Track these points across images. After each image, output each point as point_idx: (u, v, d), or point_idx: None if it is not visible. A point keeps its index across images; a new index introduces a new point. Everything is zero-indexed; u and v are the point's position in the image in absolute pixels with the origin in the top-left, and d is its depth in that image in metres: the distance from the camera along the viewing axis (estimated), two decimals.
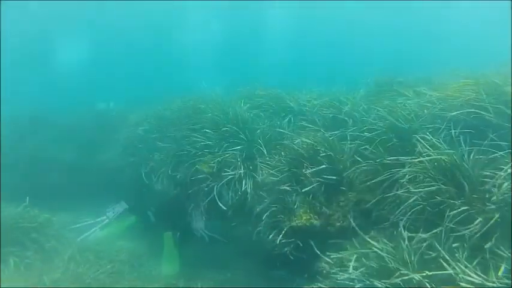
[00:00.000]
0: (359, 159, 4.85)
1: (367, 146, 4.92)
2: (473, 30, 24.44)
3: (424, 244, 3.28)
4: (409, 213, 3.70)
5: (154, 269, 6.95)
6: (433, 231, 3.32)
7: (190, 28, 34.91)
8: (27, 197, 7.17)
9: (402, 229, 3.59)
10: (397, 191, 4.03)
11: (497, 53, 6.64)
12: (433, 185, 3.62)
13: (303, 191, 4.73)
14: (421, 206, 3.65)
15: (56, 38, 27.09)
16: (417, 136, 4.28)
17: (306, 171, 4.78)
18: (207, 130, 6.30)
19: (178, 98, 8.81)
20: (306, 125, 6.07)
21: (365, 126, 5.30)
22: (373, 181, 4.46)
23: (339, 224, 4.54)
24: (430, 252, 3.24)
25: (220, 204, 5.61)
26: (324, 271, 4.13)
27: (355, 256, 3.77)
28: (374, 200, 4.35)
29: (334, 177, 4.70)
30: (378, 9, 30.58)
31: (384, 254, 3.39)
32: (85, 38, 31.55)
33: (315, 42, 32.90)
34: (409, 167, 4.08)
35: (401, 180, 4.04)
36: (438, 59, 7.48)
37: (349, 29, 33.24)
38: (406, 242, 3.38)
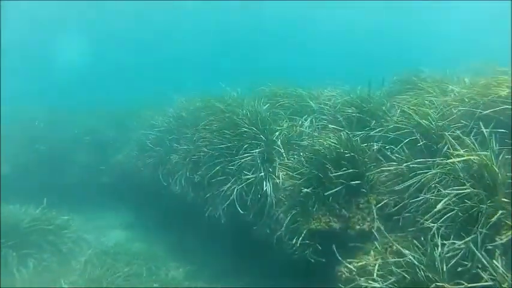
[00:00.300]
0: (382, 159, 4.73)
1: (392, 146, 4.78)
2: (492, 28, 24.00)
3: (457, 252, 3.10)
4: (438, 218, 3.52)
5: (171, 271, 6.96)
6: (467, 239, 3.13)
7: (207, 29, 35.30)
8: (45, 199, 7.26)
9: (433, 235, 3.41)
10: (423, 193, 3.86)
11: None
12: (465, 188, 3.43)
13: (325, 194, 4.59)
14: (450, 209, 3.47)
15: (69, 40, 27.59)
16: (447, 134, 4.09)
17: (328, 173, 4.65)
18: (225, 131, 6.19)
19: (197, 98, 8.80)
20: (327, 124, 5.95)
21: (389, 125, 5.14)
22: (396, 183, 4.32)
23: (358, 227, 4.41)
24: (464, 262, 3.05)
25: (239, 208, 5.52)
26: (344, 276, 4.00)
27: (379, 262, 3.64)
28: (397, 203, 4.20)
29: (356, 179, 4.55)
30: (396, 9, 30.56)
31: (415, 262, 3.22)
32: (99, 38, 32.29)
33: (337, 41, 32.87)
34: (437, 169, 3.91)
35: (431, 183, 3.87)
36: (460, 56, 7.16)
37: (369, 28, 33.16)
38: (439, 249, 3.18)
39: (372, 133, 5.17)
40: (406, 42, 31.02)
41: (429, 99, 5.41)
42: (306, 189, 4.74)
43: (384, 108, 5.80)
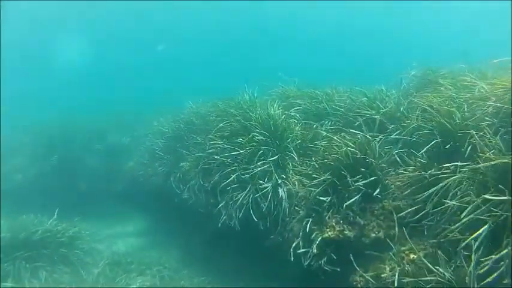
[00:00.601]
0: (400, 162, 4.57)
1: (411, 150, 4.60)
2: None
3: (487, 268, 2.88)
4: (464, 227, 3.30)
5: (185, 281, 6.87)
6: (503, 252, 2.89)
7: (214, 30, 35.43)
8: (56, 209, 7.29)
9: (458, 245, 3.21)
10: (445, 199, 3.65)
11: None
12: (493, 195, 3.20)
13: (340, 202, 4.43)
14: (476, 218, 3.25)
15: (73, 42, 27.93)
16: (474, 133, 3.86)
17: (343, 180, 4.49)
18: (237, 138, 6.03)
19: (208, 102, 8.72)
20: (343, 128, 5.76)
21: (408, 127, 4.93)
22: (414, 187, 4.15)
23: (374, 235, 4.23)
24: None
25: (253, 217, 5.38)
26: (359, 286, 3.90)
27: (397, 273, 3.48)
28: (415, 209, 4.00)
29: (372, 185, 4.38)
30: (396, 9, 30.39)
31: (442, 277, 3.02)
32: (103, 39, 32.68)
33: (350, 40, 32.66)
34: (461, 173, 3.70)
35: (453, 189, 3.65)
36: (478, 51, 6.85)
37: (375, 28, 32.96)
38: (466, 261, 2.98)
39: (390, 136, 4.98)
40: (409, 42, 30.77)
41: (450, 96, 5.16)
42: (319, 197, 4.59)
43: (402, 109, 5.58)
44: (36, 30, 29.87)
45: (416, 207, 4.01)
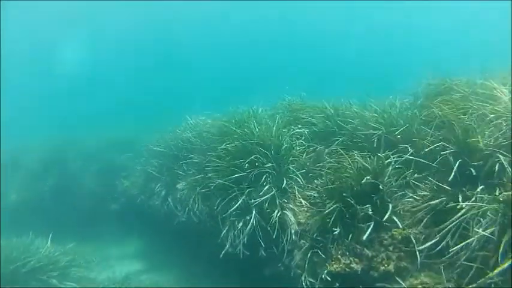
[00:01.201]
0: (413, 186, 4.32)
1: (425, 172, 4.35)
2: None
3: None
4: None
5: None
6: None
7: (212, 42, 35.47)
8: (50, 235, 7.31)
9: None
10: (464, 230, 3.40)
11: None
12: None
13: (347, 233, 4.15)
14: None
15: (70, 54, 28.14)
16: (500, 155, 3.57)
17: (350, 207, 4.21)
18: (236, 160, 5.74)
19: (207, 119, 8.52)
20: (351, 147, 5.47)
21: (423, 146, 4.63)
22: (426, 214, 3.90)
23: (383, 268, 3.93)
24: None
25: (261, 242, 5.11)
26: None
27: None
28: (429, 238, 3.75)
29: (381, 212, 4.11)
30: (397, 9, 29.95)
31: None
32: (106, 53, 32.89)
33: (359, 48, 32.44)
34: (481, 201, 3.40)
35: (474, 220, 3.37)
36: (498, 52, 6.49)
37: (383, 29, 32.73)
38: None
39: (403, 157, 4.68)
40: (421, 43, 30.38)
41: (470, 107, 4.82)
42: (324, 225, 4.33)
43: (415, 125, 5.26)
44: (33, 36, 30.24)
45: (430, 237, 3.75)
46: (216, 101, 8.98)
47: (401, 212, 4.22)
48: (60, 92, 29.34)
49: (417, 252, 3.72)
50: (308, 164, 5.65)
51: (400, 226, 3.98)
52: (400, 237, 4.00)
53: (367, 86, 7.22)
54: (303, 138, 6.32)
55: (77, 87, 30.51)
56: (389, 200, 4.25)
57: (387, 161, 4.54)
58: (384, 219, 4.02)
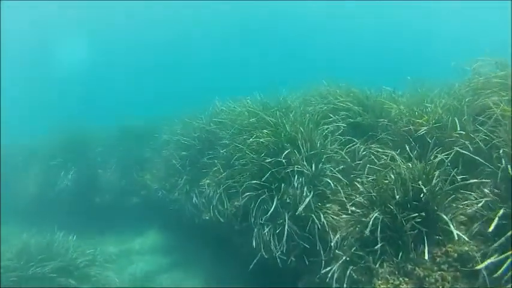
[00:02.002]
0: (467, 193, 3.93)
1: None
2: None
3: None
4: None
5: None
6: None
7: (236, 32, 35.11)
8: (74, 236, 7.49)
9: None
10: None
11: None
12: None
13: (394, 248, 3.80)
14: None
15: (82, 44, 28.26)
16: None
17: (396, 217, 3.86)
18: (265, 157, 5.43)
19: (235, 107, 8.13)
20: (390, 149, 5.07)
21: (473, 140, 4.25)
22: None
23: None
24: None
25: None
26: None
27: None
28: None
29: (428, 224, 3.76)
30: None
31: None
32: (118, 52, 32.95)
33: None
34: None
35: None
36: None
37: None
38: None
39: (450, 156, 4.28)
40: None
41: None
42: (366, 238, 4.00)
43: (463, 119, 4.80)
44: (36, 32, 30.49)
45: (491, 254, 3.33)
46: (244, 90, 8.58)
47: (455, 224, 3.83)
48: (80, 80, 29.60)
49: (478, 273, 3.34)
50: (346, 163, 5.28)
51: (458, 238, 3.60)
52: (455, 254, 3.63)
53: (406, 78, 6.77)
54: (341, 131, 5.89)
55: (99, 76, 30.77)
56: (440, 209, 3.87)
57: (436, 160, 4.17)
58: (436, 231, 3.67)
